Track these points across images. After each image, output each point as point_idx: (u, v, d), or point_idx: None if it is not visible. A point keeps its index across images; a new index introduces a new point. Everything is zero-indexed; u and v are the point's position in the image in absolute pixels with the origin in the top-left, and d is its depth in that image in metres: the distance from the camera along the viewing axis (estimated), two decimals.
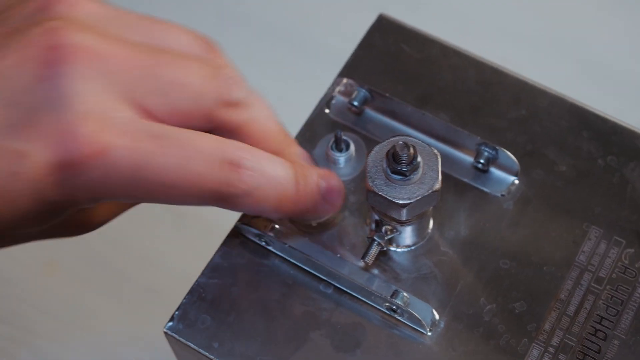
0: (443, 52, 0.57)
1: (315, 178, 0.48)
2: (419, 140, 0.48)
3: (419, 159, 0.47)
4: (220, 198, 0.44)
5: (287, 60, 1.03)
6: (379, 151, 0.48)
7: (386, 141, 0.48)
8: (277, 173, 0.45)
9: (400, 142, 0.46)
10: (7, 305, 0.92)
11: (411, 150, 0.46)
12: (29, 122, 0.40)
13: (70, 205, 0.42)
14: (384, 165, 0.47)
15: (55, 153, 0.40)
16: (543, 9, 1.05)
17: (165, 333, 0.50)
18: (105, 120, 0.40)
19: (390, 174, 0.47)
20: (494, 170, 0.53)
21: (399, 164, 0.47)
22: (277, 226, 0.51)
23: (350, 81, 0.55)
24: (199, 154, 0.43)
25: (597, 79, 1.00)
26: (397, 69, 0.57)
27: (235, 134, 0.46)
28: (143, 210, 0.96)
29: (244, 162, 0.44)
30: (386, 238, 0.50)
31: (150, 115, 0.42)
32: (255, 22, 1.04)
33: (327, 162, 0.54)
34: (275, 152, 0.47)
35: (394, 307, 0.49)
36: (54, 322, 0.92)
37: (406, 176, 0.47)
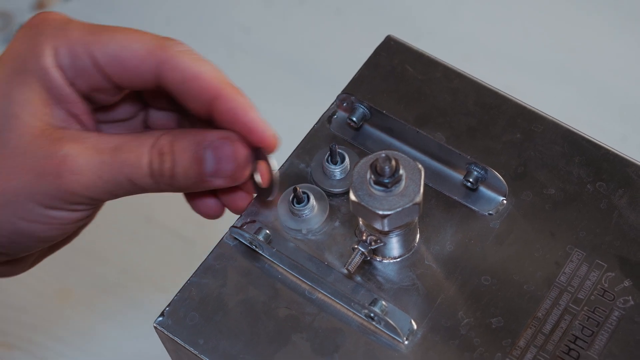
0: (446, 74, 0.59)
1: (187, 155, 0.50)
2: (410, 156, 0.50)
3: (402, 172, 0.49)
4: None
5: (294, 89, 1.07)
6: (364, 163, 0.50)
7: (373, 154, 0.50)
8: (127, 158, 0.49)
9: (383, 155, 0.48)
10: (20, 332, 0.95)
11: (393, 163, 0.48)
12: None
13: None
14: (368, 177, 0.49)
15: None
16: (548, 37, 1.06)
17: (155, 327, 0.53)
18: None
19: (373, 185, 0.49)
20: (483, 190, 0.55)
21: (381, 176, 0.48)
22: (267, 231, 0.53)
23: (351, 97, 0.57)
24: None
25: (602, 105, 1.00)
26: (400, 89, 0.59)
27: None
28: (154, 239, 0.99)
29: None
30: (370, 248, 0.51)
31: None
32: (264, 55, 1.09)
33: (324, 174, 0.56)
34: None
35: (372, 315, 0.51)
36: (66, 349, 0.94)
37: (388, 188, 0.49)
